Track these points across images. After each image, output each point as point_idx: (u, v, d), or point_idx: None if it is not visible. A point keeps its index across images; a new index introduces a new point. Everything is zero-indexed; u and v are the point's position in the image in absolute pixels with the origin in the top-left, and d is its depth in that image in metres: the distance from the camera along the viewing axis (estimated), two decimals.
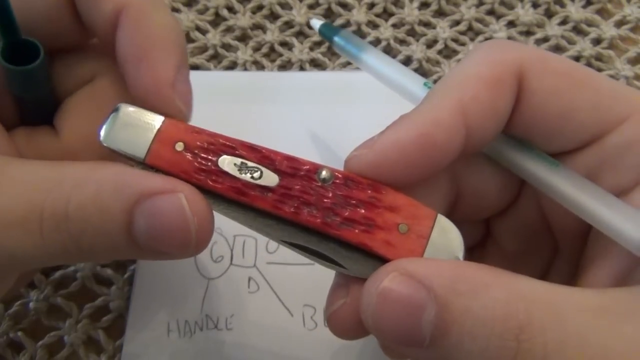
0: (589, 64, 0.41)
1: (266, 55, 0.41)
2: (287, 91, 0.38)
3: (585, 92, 0.22)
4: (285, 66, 0.41)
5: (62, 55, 0.26)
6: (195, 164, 0.21)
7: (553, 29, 0.42)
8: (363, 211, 0.21)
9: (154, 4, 0.24)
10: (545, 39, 0.42)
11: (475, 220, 0.27)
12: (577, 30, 0.42)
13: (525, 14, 0.42)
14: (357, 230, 0.21)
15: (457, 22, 0.43)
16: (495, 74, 0.22)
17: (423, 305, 0.18)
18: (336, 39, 0.32)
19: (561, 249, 0.25)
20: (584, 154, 0.23)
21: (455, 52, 0.41)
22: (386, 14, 0.43)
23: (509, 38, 0.42)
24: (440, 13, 0.43)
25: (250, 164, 0.21)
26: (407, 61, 0.41)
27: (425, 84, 0.27)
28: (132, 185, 0.21)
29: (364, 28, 0.42)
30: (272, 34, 0.41)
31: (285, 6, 0.43)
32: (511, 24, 0.43)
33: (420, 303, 0.19)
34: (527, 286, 0.19)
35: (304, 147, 0.36)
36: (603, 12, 0.43)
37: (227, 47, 0.41)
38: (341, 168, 0.22)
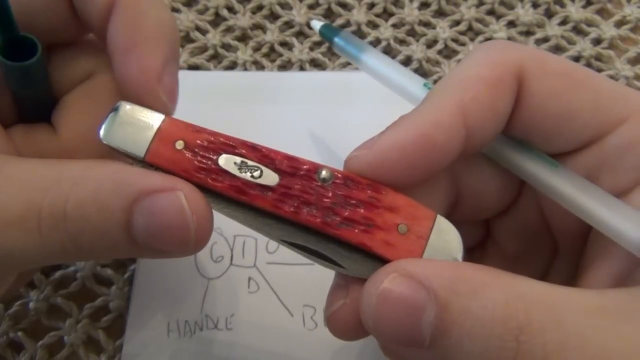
0: (589, 64, 0.41)
1: (266, 55, 0.41)
2: (287, 91, 0.38)
3: (585, 93, 0.22)
4: (285, 66, 0.41)
5: (60, 52, 0.26)
6: (195, 162, 0.21)
7: (553, 29, 0.42)
8: (363, 211, 0.21)
9: None
10: (545, 39, 0.42)
11: (475, 221, 0.27)
12: (577, 30, 0.42)
13: (525, 14, 0.42)
14: (356, 230, 0.21)
15: (457, 22, 0.43)
16: (495, 74, 0.22)
17: (423, 306, 0.18)
18: (336, 40, 0.32)
19: (561, 250, 0.25)
20: (584, 154, 0.23)
21: (455, 52, 0.41)
22: (386, 14, 0.43)
23: (509, 38, 0.42)
24: (440, 13, 0.43)
25: (250, 163, 0.21)
26: (407, 61, 0.41)
27: (425, 85, 0.27)
28: (131, 184, 0.21)
29: (364, 28, 0.42)
30: (272, 34, 0.41)
31: (285, 6, 0.43)
32: (511, 24, 0.43)
33: (420, 304, 0.19)
34: (526, 287, 0.19)
35: (304, 147, 0.36)
36: (603, 12, 0.43)
37: (227, 47, 0.41)
38: (341, 168, 0.22)
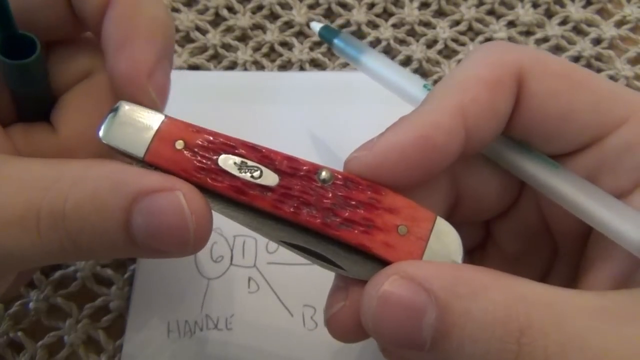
0: (589, 64, 0.41)
1: (266, 55, 0.41)
2: (287, 91, 0.38)
3: (585, 94, 0.22)
4: (285, 66, 0.40)
5: (58, 51, 0.26)
6: (195, 162, 0.21)
7: (553, 29, 0.42)
8: (362, 212, 0.21)
9: None
10: (545, 39, 0.42)
11: (475, 222, 0.27)
12: (577, 30, 0.42)
13: (525, 14, 0.42)
14: (356, 231, 0.21)
15: (457, 22, 0.43)
16: (494, 75, 0.22)
17: (424, 309, 0.18)
18: (336, 41, 0.32)
19: (561, 251, 0.25)
20: (584, 155, 0.23)
21: (455, 52, 0.41)
22: (386, 14, 0.43)
23: (509, 38, 0.42)
24: (440, 13, 0.43)
25: (250, 163, 0.21)
26: (407, 61, 0.41)
27: (424, 86, 0.27)
28: (130, 183, 0.21)
29: (364, 28, 0.42)
30: (272, 34, 0.41)
31: (285, 6, 0.43)
32: (511, 24, 0.42)
33: (420, 306, 0.19)
34: (527, 289, 0.19)
35: (304, 147, 0.36)
36: (603, 12, 0.43)
37: (227, 47, 0.41)
38: (341, 168, 0.22)
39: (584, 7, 0.43)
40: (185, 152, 0.21)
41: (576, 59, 0.41)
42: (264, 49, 0.41)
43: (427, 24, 0.42)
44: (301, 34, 0.42)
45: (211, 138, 0.22)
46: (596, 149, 0.22)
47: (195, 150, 0.21)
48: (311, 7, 0.43)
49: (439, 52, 0.41)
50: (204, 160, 0.21)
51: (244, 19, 0.42)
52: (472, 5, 0.43)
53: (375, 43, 0.41)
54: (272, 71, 0.40)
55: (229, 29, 0.42)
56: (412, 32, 0.42)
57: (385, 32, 0.42)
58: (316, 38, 0.41)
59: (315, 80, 0.39)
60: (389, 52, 0.41)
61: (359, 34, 0.42)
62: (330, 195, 0.21)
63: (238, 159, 0.21)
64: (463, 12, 0.43)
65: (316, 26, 0.33)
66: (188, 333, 0.31)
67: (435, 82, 0.39)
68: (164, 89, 0.23)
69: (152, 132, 0.22)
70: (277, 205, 0.21)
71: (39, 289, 0.32)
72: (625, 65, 0.40)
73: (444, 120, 0.21)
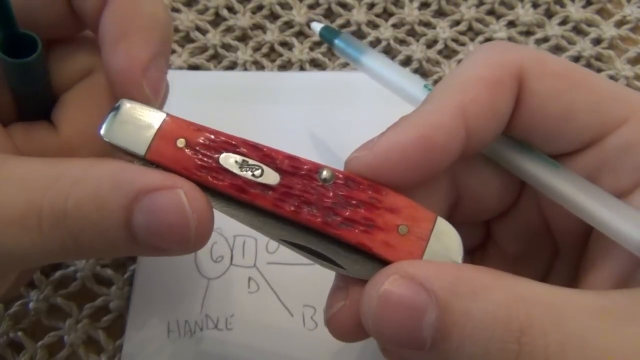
0: (589, 64, 0.41)
1: (266, 55, 0.41)
2: (287, 91, 0.38)
3: (585, 94, 0.22)
4: (285, 66, 0.40)
5: (59, 49, 0.26)
6: (196, 160, 0.21)
7: (553, 29, 0.42)
8: (363, 212, 0.21)
9: None
10: (545, 39, 0.42)
11: (476, 222, 0.27)
12: (577, 30, 0.42)
13: (525, 14, 0.42)
14: (357, 231, 0.21)
15: (457, 22, 0.43)
16: (495, 75, 0.22)
17: (424, 308, 0.18)
18: (336, 42, 0.32)
19: (562, 251, 0.25)
20: (584, 155, 0.23)
21: (455, 52, 0.41)
22: (386, 14, 0.43)
23: (509, 38, 0.42)
24: (440, 13, 0.43)
25: (251, 161, 0.21)
26: (407, 61, 0.41)
27: (425, 86, 0.27)
28: (131, 182, 0.21)
29: (364, 28, 0.42)
30: (272, 34, 0.41)
31: (285, 6, 0.43)
32: (511, 24, 0.43)
33: (421, 306, 0.19)
34: (527, 288, 0.19)
35: (304, 147, 0.36)
36: (603, 12, 0.43)
37: (227, 47, 0.41)
38: (341, 168, 0.22)
39: (584, 7, 0.43)
40: (186, 150, 0.21)
41: (576, 59, 0.41)
42: (264, 49, 0.41)
43: (427, 24, 0.42)
44: (301, 34, 0.42)
45: (212, 136, 0.22)
46: (596, 149, 0.22)
47: (197, 148, 0.21)
48: (311, 7, 0.43)
49: (439, 52, 0.41)
50: (205, 159, 0.21)
51: (244, 19, 0.42)
52: (472, 5, 0.43)
53: (375, 43, 0.41)
54: (272, 71, 0.40)
55: (229, 29, 0.42)
56: (412, 32, 0.42)
57: (385, 32, 0.42)
58: (316, 38, 0.41)
59: (315, 80, 0.39)
60: (389, 52, 0.41)
61: (359, 34, 0.42)
62: (331, 194, 0.21)
63: (239, 158, 0.21)
64: (463, 12, 0.43)
65: (317, 27, 0.33)
66: (188, 333, 0.31)
67: (436, 82, 0.40)
68: (158, 85, 0.23)
69: (154, 131, 0.22)
70: (278, 204, 0.21)
71: (39, 289, 0.32)
72: (625, 65, 0.40)
73: (444, 120, 0.21)
